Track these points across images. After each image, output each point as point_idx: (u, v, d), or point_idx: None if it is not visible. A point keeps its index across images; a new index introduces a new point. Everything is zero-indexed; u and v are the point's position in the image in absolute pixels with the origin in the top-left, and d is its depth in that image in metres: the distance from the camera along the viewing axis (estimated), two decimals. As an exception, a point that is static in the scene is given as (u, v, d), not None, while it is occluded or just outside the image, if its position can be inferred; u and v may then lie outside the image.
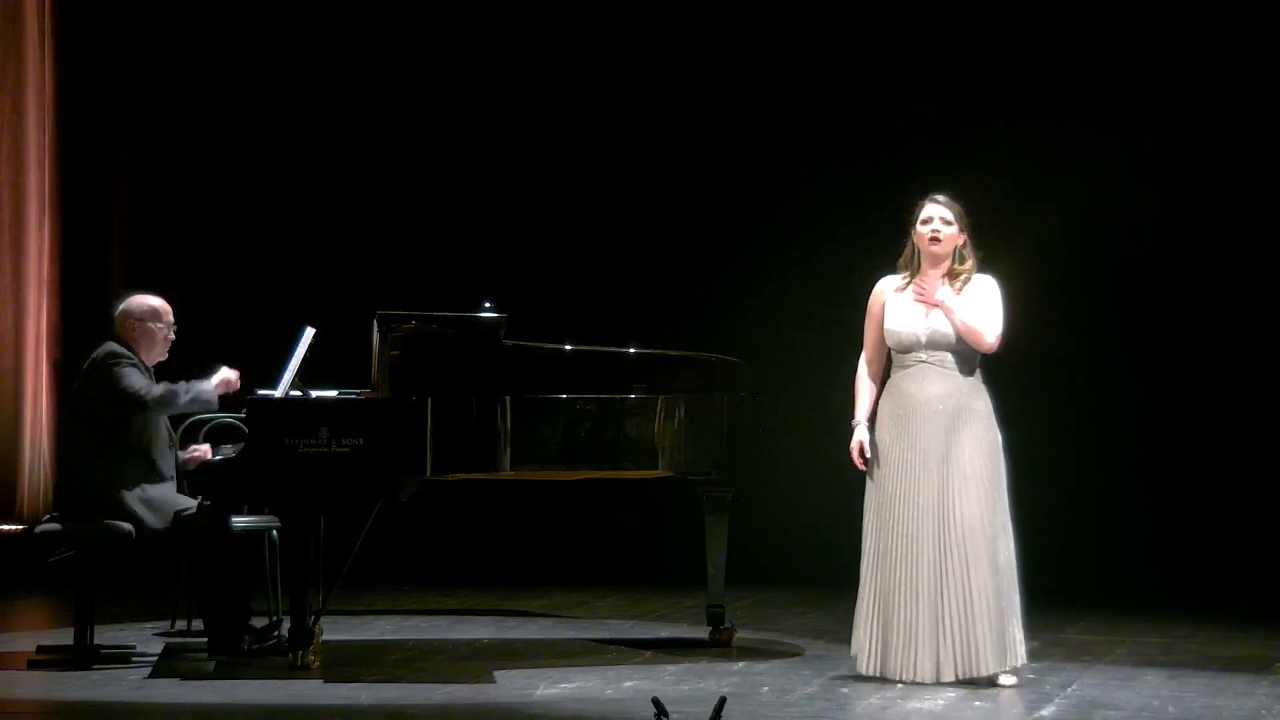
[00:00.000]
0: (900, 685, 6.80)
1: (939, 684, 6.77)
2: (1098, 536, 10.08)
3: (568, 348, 7.63)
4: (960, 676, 6.80)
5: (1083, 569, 9.92)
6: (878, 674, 6.91)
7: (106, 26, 10.84)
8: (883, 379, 7.11)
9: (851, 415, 7.09)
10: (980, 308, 6.98)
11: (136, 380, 7.40)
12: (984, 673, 6.82)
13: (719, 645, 7.89)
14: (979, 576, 6.80)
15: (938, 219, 7.02)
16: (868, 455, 7.00)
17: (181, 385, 7.40)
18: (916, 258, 7.08)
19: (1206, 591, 9.69)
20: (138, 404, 7.38)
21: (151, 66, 10.88)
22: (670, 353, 7.83)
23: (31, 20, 10.75)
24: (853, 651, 7.04)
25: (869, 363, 7.13)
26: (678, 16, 10.75)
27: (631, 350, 7.75)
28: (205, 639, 7.55)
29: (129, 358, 7.49)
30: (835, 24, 10.61)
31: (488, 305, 7.56)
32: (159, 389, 7.39)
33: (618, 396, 7.53)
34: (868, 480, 7.04)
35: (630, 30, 10.76)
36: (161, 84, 10.88)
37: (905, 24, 10.50)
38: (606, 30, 10.78)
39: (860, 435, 7.03)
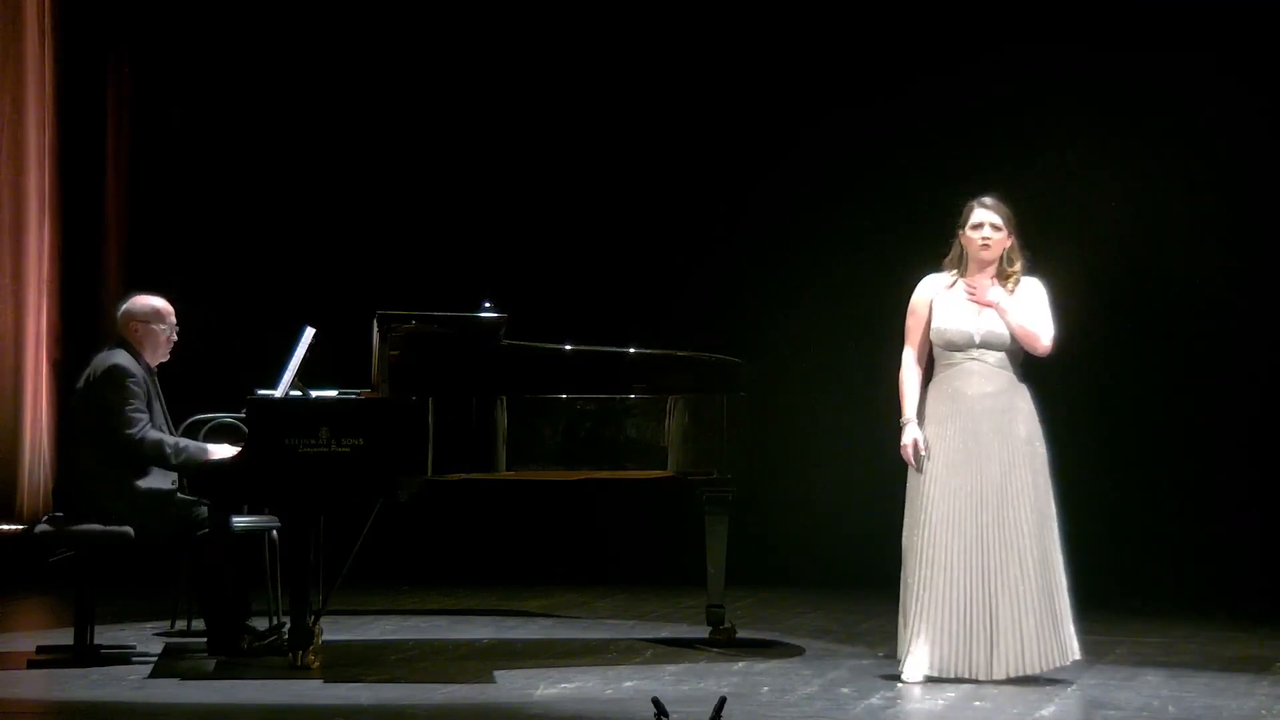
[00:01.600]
0: (923, 683, 6.80)
1: (989, 682, 6.77)
2: (1097, 536, 10.05)
3: (567, 348, 7.62)
4: (1012, 674, 6.81)
5: (1083, 569, 9.88)
6: (927, 676, 6.83)
7: (106, 27, 10.83)
8: (926, 376, 7.11)
9: (899, 413, 7.06)
10: (1032, 310, 7.01)
11: (135, 423, 7.35)
12: (1034, 670, 6.84)
13: (719, 645, 7.88)
14: (1028, 573, 6.84)
15: (988, 225, 7.01)
16: (922, 452, 6.98)
17: (179, 444, 7.38)
18: (964, 258, 7.09)
19: (1206, 591, 9.69)
20: (130, 447, 7.36)
21: (151, 66, 10.87)
22: (670, 353, 7.83)
23: (31, 20, 10.74)
24: (899, 655, 6.97)
25: (914, 361, 7.10)
26: (677, 17, 10.74)
27: (631, 350, 7.74)
28: (205, 639, 7.55)
29: (134, 377, 7.44)
30: (837, 25, 10.60)
31: (488, 305, 7.56)
32: (152, 439, 7.34)
33: (618, 396, 7.53)
34: (912, 476, 7.01)
35: (631, 31, 10.75)
36: (161, 83, 10.87)
37: (913, 26, 10.48)
38: (607, 29, 10.76)
39: (913, 432, 6.99)
